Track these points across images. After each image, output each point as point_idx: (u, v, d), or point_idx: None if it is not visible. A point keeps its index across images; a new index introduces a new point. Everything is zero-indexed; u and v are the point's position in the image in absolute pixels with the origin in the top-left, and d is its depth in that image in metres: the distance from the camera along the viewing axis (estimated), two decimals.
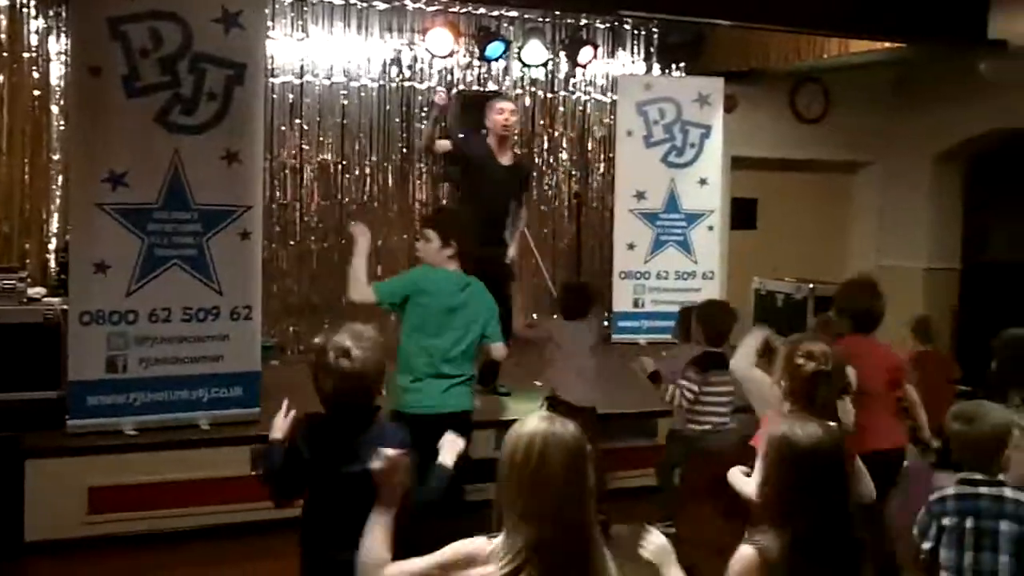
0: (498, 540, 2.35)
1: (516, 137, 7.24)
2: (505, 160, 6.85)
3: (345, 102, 8.30)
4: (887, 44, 7.94)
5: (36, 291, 6.03)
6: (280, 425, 3.41)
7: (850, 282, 5.55)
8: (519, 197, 6.98)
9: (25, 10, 6.89)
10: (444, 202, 8.39)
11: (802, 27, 7.77)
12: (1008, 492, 3.36)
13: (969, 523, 3.31)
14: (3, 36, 6.74)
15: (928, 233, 10.08)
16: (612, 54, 9.20)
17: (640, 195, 8.64)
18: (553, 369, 5.72)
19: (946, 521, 3.32)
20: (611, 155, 9.05)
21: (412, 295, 4.86)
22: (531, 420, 2.41)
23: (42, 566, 5.06)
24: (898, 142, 10.13)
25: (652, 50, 9.34)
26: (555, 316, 6.24)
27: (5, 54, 6.76)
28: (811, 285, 8.53)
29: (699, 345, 5.46)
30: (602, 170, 9.29)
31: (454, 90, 8.54)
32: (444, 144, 7.02)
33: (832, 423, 3.01)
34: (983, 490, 3.34)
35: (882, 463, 4.46)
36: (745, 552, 2.66)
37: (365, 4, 8.17)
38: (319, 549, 3.18)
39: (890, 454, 4.80)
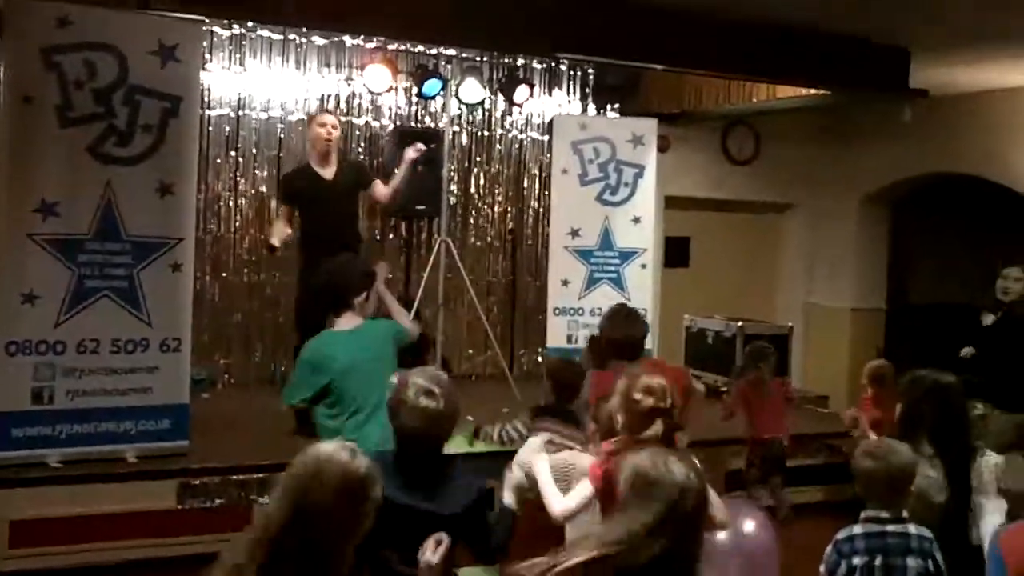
0: None
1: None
2: (328, 174, 6.89)
3: (282, 135, 8.33)
4: (813, 91, 8.17)
5: None
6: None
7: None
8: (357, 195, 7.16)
9: None
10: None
11: (731, 73, 7.99)
12: (912, 528, 3.48)
13: (878, 560, 3.40)
14: None
15: (855, 274, 10.34)
16: (548, 93, 9.33)
17: (575, 232, 8.72)
18: None
19: (856, 560, 3.39)
20: (546, 193, 9.16)
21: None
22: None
23: None
24: (826, 184, 10.40)
25: (588, 91, 9.49)
26: None
27: None
28: (740, 323, 8.71)
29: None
30: (537, 207, 9.38)
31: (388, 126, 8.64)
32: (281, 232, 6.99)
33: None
34: (889, 528, 3.45)
35: None
36: None
37: (303, 39, 8.22)
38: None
39: None
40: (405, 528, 3.06)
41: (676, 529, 2.54)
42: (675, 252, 10.12)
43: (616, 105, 9.53)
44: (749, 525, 4.57)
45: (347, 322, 4.81)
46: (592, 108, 9.50)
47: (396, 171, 7.41)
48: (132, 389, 5.72)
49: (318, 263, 6.01)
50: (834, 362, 9.93)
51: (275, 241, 6.86)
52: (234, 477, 5.73)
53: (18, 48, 5.45)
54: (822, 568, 3.50)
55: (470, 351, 9.10)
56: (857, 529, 3.47)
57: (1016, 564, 3.27)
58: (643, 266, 8.90)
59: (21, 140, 5.43)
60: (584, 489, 3.57)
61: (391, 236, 8.88)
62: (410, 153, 7.30)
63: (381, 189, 7.29)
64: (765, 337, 7.73)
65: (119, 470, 5.57)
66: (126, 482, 5.54)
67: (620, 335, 5.21)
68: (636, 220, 8.85)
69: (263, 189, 8.30)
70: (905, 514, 3.51)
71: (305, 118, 8.06)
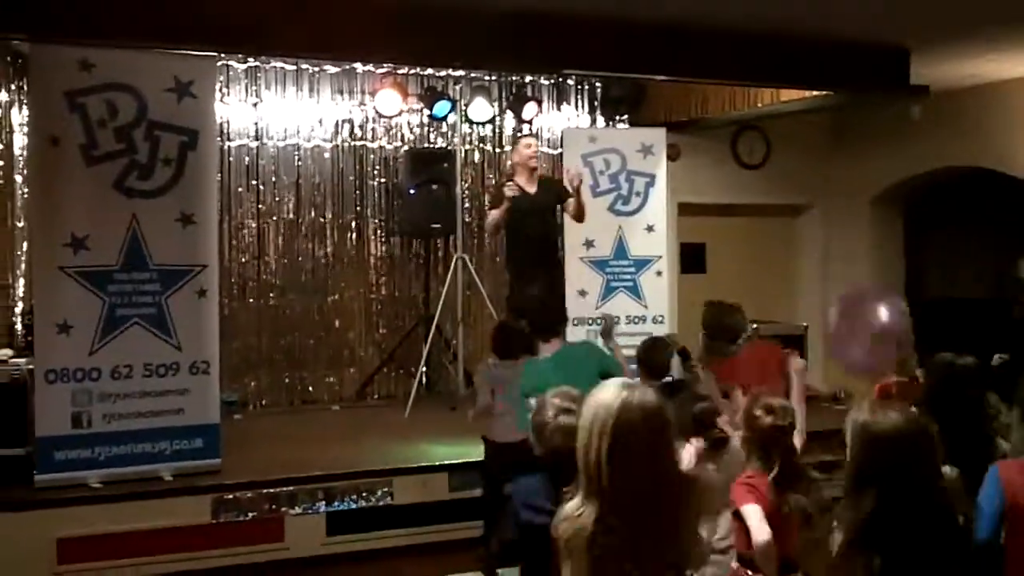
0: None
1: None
2: (533, 189, 7.56)
3: (299, 163, 8.62)
4: (815, 92, 8.32)
5: (3, 352, 6.28)
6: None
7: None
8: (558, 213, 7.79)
9: None
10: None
11: (734, 80, 8.15)
12: None
13: None
14: None
15: (870, 273, 10.39)
16: (557, 108, 9.55)
17: (589, 243, 8.88)
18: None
19: None
20: (559, 206, 9.34)
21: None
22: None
23: None
24: (837, 185, 10.50)
25: (595, 103, 9.69)
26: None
27: None
28: (755, 325, 8.84)
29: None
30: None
31: (402, 148, 8.91)
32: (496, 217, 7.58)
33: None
34: None
35: None
36: None
37: (316, 69, 8.51)
38: None
39: None
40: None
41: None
42: (691, 258, 10.26)
43: (624, 116, 9.72)
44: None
45: (550, 348, 5.21)
46: (601, 120, 9.71)
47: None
48: (165, 411, 5.99)
49: (525, 271, 7.27)
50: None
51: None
52: (265, 491, 5.97)
53: (44, 92, 5.77)
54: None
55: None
56: None
57: (1011, 491, 3.43)
58: (658, 273, 9.06)
59: (50, 179, 5.74)
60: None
61: (411, 255, 9.11)
62: (506, 192, 7.46)
63: (570, 207, 7.84)
64: (780, 338, 7.87)
65: (156, 488, 5.85)
66: (163, 499, 5.80)
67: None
68: (650, 228, 9.01)
69: (284, 216, 8.58)
70: None
71: (321, 144, 8.41)
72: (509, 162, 8.13)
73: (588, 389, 4.71)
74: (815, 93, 8.34)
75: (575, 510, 2.63)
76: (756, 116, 9.43)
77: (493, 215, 7.62)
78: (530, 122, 9.14)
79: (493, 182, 9.00)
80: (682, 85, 8.92)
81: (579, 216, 7.84)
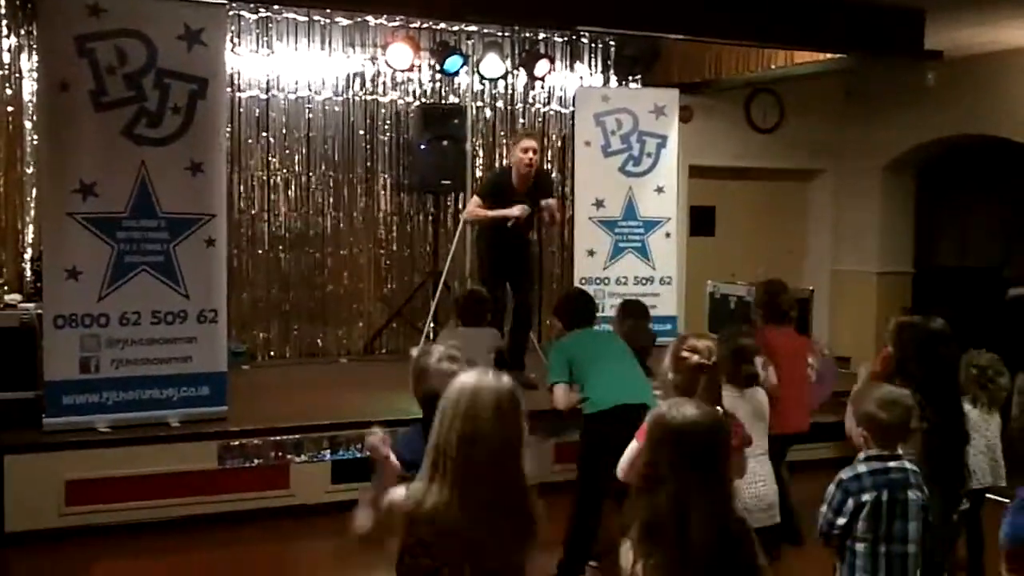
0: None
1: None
2: (523, 187, 7.15)
3: (310, 115, 8.61)
4: (829, 55, 8.27)
5: (12, 297, 6.33)
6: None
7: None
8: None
9: None
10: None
11: (749, 40, 8.09)
12: (907, 464, 3.65)
13: (884, 495, 3.54)
14: None
15: (880, 238, 10.40)
16: (570, 67, 9.51)
17: (599, 203, 8.90)
18: None
19: (865, 497, 3.53)
20: (570, 164, 9.36)
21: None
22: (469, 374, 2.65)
23: (22, 555, 5.33)
24: (850, 150, 10.46)
25: (609, 62, 9.66)
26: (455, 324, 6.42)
27: None
28: None
29: None
30: (561, 179, 9.58)
31: (413, 103, 8.88)
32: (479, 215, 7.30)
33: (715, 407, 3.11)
34: (891, 464, 3.61)
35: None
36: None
37: (328, 20, 8.48)
38: None
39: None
40: None
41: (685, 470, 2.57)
42: (700, 221, 10.26)
43: (638, 76, 9.69)
44: None
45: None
46: (614, 80, 9.67)
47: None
48: (173, 358, 6.04)
49: (499, 254, 7.07)
50: (861, 325, 10.02)
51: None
52: (271, 439, 6.03)
53: (53, 37, 5.77)
54: (823, 508, 3.65)
55: None
56: (862, 468, 3.61)
57: None
58: (667, 235, 9.08)
59: (59, 125, 5.75)
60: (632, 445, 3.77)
61: (420, 211, 9.11)
62: (513, 212, 7.05)
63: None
64: None
65: (162, 433, 5.91)
66: (169, 444, 5.87)
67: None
68: (659, 190, 9.02)
69: (294, 168, 8.58)
70: (900, 451, 3.69)
71: (332, 97, 8.40)
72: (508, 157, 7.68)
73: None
74: (829, 56, 8.31)
75: (421, 492, 2.53)
76: (770, 79, 9.40)
77: (477, 213, 7.27)
78: (543, 79, 9.10)
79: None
80: (696, 45, 8.88)
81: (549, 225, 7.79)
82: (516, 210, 6.97)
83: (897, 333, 4.53)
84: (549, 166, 9.56)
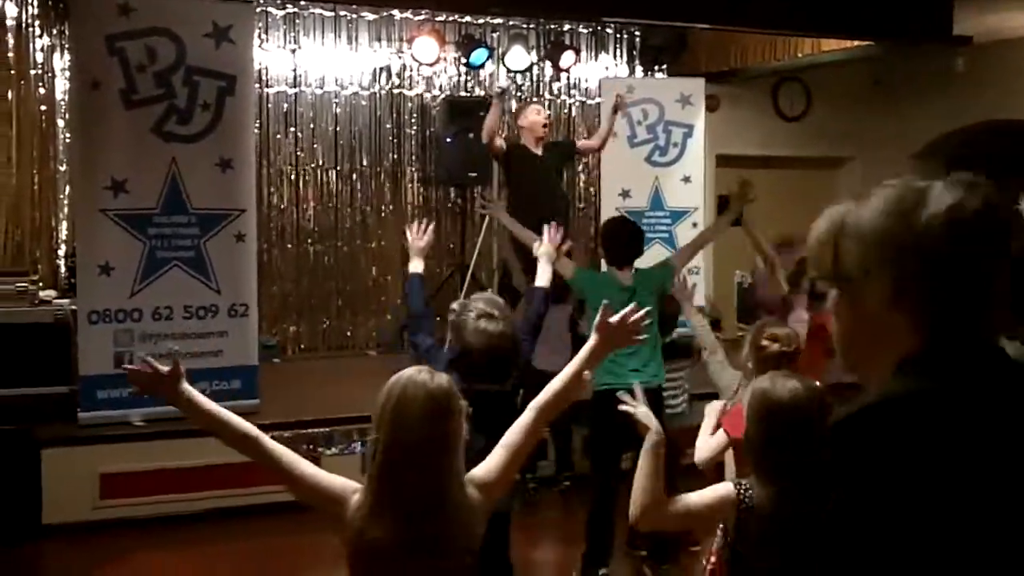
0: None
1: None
2: (539, 151, 7.33)
3: (337, 110, 8.66)
4: (857, 42, 8.22)
5: (47, 294, 6.43)
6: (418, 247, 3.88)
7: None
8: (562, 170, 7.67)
9: (30, 29, 7.24)
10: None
11: (775, 29, 8.06)
12: None
13: None
14: (10, 54, 7.09)
15: None
16: (595, 57, 9.51)
17: (625, 194, 8.88)
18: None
19: None
20: (596, 156, 9.35)
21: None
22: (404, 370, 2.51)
23: (58, 547, 5.45)
24: (878, 138, 10.39)
25: (634, 52, 9.64)
26: None
27: (12, 71, 7.10)
28: None
29: None
30: (588, 170, 9.58)
31: (439, 97, 8.90)
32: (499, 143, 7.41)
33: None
34: None
35: None
36: (724, 488, 2.73)
37: (354, 15, 8.52)
38: None
39: None
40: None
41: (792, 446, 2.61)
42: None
43: (663, 66, 9.67)
44: None
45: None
46: (639, 70, 9.66)
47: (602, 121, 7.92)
48: (204, 352, 6.12)
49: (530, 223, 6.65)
50: None
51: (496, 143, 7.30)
52: (302, 431, 6.09)
53: (84, 36, 5.87)
54: None
55: None
56: None
57: None
58: (694, 225, 9.03)
59: (90, 123, 5.85)
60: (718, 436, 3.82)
61: (447, 204, 9.16)
62: (612, 102, 7.66)
63: (587, 143, 7.92)
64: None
65: (195, 427, 5.93)
66: (201, 438, 5.91)
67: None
68: (686, 180, 8.99)
69: (321, 163, 8.64)
70: None
71: (359, 92, 8.46)
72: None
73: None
74: (856, 43, 8.26)
75: (360, 495, 2.45)
76: (797, 67, 9.35)
77: (489, 120, 7.22)
78: (568, 70, 9.11)
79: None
80: (722, 34, 8.86)
81: (600, 145, 7.87)
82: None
83: None
84: (574, 158, 9.60)
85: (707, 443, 3.78)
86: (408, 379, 2.43)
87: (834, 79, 9.86)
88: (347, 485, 2.50)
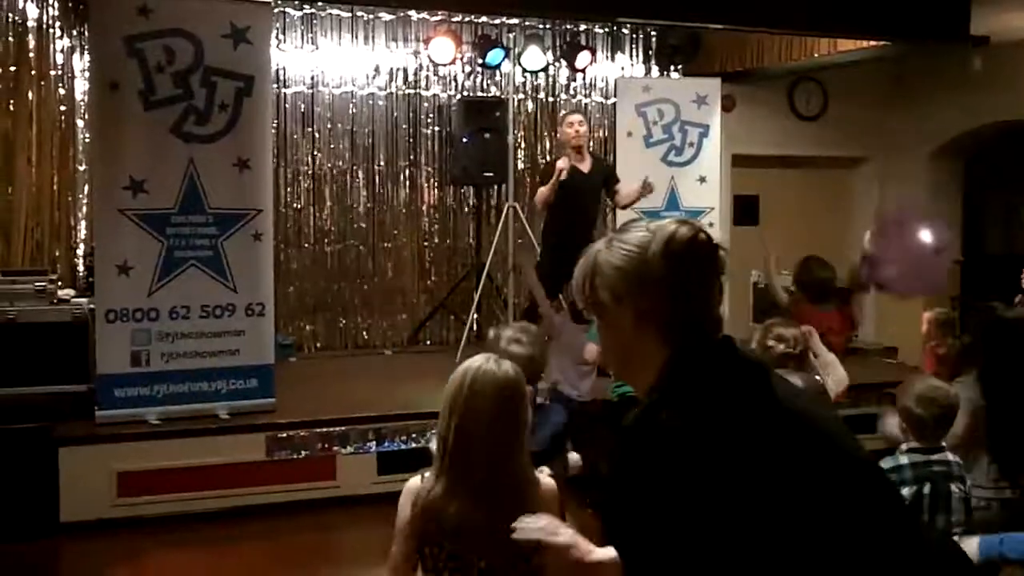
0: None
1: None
2: (585, 167, 7.30)
3: (354, 110, 8.70)
4: (873, 42, 8.20)
5: (65, 292, 6.46)
6: None
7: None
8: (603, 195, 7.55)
9: (51, 30, 7.29)
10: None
11: (791, 29, 8.05)
12: (950, 456, 3.64)
13: (927, 488, 3.54)
14: (31, 55, 7.14)
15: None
16: (611, 57, 9.51)
17: None
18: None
19: (905, 490, 3.50)
20: (612, 156, 9.36)
21: None
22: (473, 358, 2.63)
23: (75, 544, 5.48)
24: (896, 138, 10.36)
25: (650, 53, 9.64)
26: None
27: (33, 72, 7.14)
28: None
29: None
30: None
31: (455, 97, 8.92)
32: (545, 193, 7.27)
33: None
34: (933, 457, 3.60)
35: None
36: None
37: (371, 16, 8.56)
38: None
39: None
40: None
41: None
42: (744, 210, 10.21)
43: (679, 66, 9.66)
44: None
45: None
46: (655, 70, 9.66)
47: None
48: (221, 351, 6.16)
49: (562, 246, 6.73)
50: (909, 314, 9.92)
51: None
52: (318, 431, 6.12)
53: (103, 38, 5.90)
54: None
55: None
56: (903, 460, 3.60)
57: None
58: (710, 225, 9.01)
59: (109, 123, 5.88)
60: None
61: (463, 203, 9.18)
62: (559, 164, 7.17)
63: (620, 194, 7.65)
64: None
65: (212, 425, 6.02)
66: (218, 436, 5.98)
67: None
68: (702, 180, 8.98)
69: (339, 163, 8.67)
70: (943, 443, 3.68)
71: (376, 92, 8.47)
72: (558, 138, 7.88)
73: None
74: (873, 43, 8.23)
75: (429, 483, 2.55)
76: (813, 67, 9.32)
77: (542, 191, 7.27)
78: (583, 71, 9.11)
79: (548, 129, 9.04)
80: (738, 34, 8.85)
81: (624, 205, 7.77)
82: (561, 162, 7.10)
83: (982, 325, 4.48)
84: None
85: None
86: (479, 368, 2.56)
87: (851, 78, 9.82)
88: (410, 488, 2.59)
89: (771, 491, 1.57)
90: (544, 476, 2.64)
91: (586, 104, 9.54)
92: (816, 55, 8.61)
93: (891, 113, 10.30)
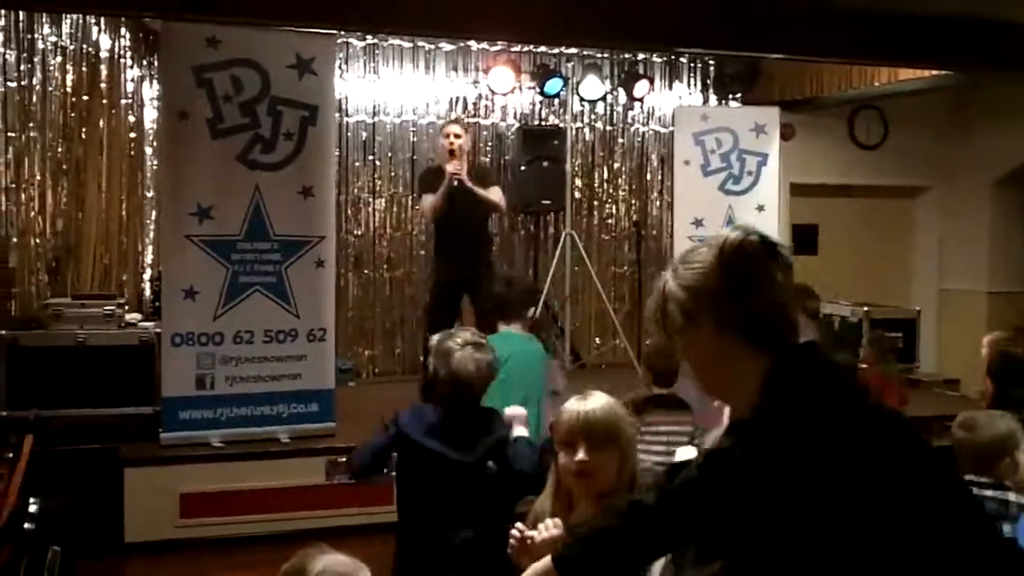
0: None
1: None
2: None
3: (414, 139, 8.81)
4: (935, 71, 8.14)
5: (133, 316, 6.61)
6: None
7: None
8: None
9: (122, 60, 7.49)
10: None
11: (852, 58, 8.00)
12: (1012, 496, 3.49)
13: None
14: (103, 85, 7.34)
15: (991, 256, 10.16)
16: (669, 86, 9.54)
17: (698, 222, 8.84)
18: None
19: None
20: (669, 184, 9.37)
21: None
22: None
23: (140, 564, 5.57)
24: (957, 167, 10.26)
25: (708, 81, 9.66)
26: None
27: (104, 101, 7.34)
28: (865, 308, 8.74)
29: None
30: (660, 199, 9.61)
31: (514, 125, 8.99)
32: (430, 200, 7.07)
33: None
34: (988, 493, 3.48)
35: None
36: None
37: (432, 46, 8.68)
38: (426, 528, 3.51)
39: None
40: (436, 475, 3.45)
41: None
42: (803, 239, 10.13)
43: (737, 95, 9.66)
44: None
45: (516, 329, 5.15)
46: (713, 99, 9.66)
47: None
48: (283, 375, 6.24)
49: (450, 260, 6.79)
50: (971, 347, 9.77)
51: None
52: None
53: (173, 67, 6.04)
54: None
55: (597, 340, 9.37)
56: None
57: None
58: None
59: (178, 151, 6.02)
60: None
61: (521, 231, 9.23)
62: (449, 168, 6.92)
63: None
64: (891, 322, 7.79)
65: (273, 449, 6.10)
66: (279, 459, 6.05)
67: None
68: (760, 208, 8.93)
69: (398, 190, 8.78)
70: (1008, 482, 3.57)
71: (436, 121, 8.56)
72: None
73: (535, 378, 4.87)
74: (934, 72, 8.17)
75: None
76: (874, 95, 9.26)
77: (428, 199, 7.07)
78: (642, 99, 9.14)
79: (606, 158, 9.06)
80: (797, 63, 8.82)
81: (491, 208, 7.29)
82: (450, 167, 6.83)
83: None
84: (648, 187, 9.63)
85: None
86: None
87: (912, 106, 9.75)
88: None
89: (888, 497, 1.65)
90: None
91: (644, 132, 9.56)
92: (877, 83, 8.56)
93: (953, 142, 10.20)
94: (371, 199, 8.74)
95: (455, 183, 6.85)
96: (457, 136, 7.00)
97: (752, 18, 6.79)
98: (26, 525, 3.39)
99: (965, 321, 10.10)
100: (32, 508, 3.54)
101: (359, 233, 8.71)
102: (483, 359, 3.52)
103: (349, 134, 8.55)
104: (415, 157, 8.81)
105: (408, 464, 3.64)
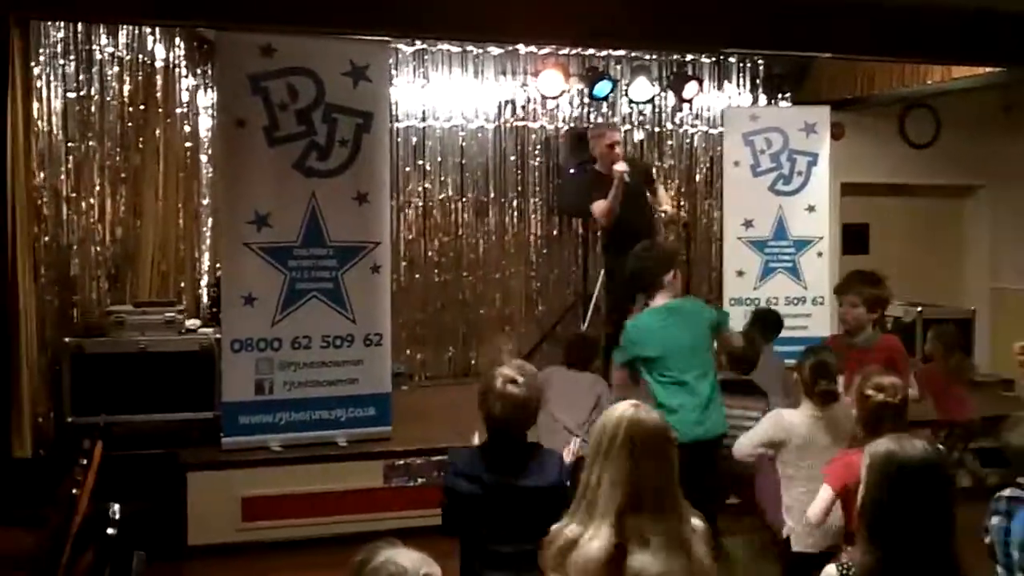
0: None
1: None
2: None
3: (463, 143, 8.85)
4: (988, 69, 8.05)
5: (192, 323, 6.71)
6: None
7: None
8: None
9: (177, 69, 7.58)
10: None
11: (902, 57, 7.93)
12: None
13: (1010, 524, 3.40)
14: (159, 94, 7.43)
15: None
16: (718, 87, 9.51)
17: (748, 223, 8.83)
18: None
19: (994, 520, 3.44)
20: (719, 185, 9.34)
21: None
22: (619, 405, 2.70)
23: (202, 568, 5.67)
24: (1009, 166, 10.13)
25: (757, 82, 9.62)
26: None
27: (160, 110, 7.43)
28: (919, 308, 8.66)
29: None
30: (710, 199, 9.58)
31: (563, 128, 9.01)
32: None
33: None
34: None
35: None
36: (828, 571, 2.69)
37: (481, 50, 8.72)
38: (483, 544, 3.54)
39: None
40: (502, 504, 3.42)
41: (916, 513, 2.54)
42: (853, 239, 10.07)
43: (787, 94, 9.61)
44: None
45: (661, 300, 5.02)
46: (762, 99, 9.62)
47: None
48: (340, 380, 6.31)
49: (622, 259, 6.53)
50: None
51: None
52: (433, 458, 6.21)
53: (229, 76, 6.12)
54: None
55: None
56: (1007, 492, 3.50)
57: None
58: (819, 254, 8.94)
59: (235, 159, 6.10)
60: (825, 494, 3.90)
61: (569, 234, 9.25)
62: (618, 168, 6.90)
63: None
64: (947, 321, 7.73)
65: (331, 452, 6.17)
66: (338, 463, 6.12)
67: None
68: (811, 208, 8.90)
69: (449, 195, 8.83)
70: None
71: (486, 124, 8.60)
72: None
73: (698, 341, 4.87)
74: (988, 69, 8.08)
75: (576, 534, 2.60)
76: (925, 94, 9.17)
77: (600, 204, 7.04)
78: (691, 101, 9.13)
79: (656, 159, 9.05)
80: (847, 62, 8.76)
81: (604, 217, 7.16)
82: (620, 166, 6.85)
83: None
84: (697, 187, 9.61)
85: (816, 504, 3.88)
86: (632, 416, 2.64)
87: (964, 105, 9.65)
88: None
89: None
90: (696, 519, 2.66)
91: (692, 133, 9.54)
92: (928, 82, 8.47)
93: (1005, 140, 10.07)
94: (422, 203, 8.78)
95: (627, 180, 6.87)
96: (618, 142, 7.18)
97: (800, 17, 6.77)
98: (109, 530, 3.45)
99: (1019, 320, 9.98)
100: (114, 513, 3.59)
101: (410, 238, 8.76)
102: (518, 393, 3.46)
103: (399, 139, 8.60)
104: (464, 161, 8.85)
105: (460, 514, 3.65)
